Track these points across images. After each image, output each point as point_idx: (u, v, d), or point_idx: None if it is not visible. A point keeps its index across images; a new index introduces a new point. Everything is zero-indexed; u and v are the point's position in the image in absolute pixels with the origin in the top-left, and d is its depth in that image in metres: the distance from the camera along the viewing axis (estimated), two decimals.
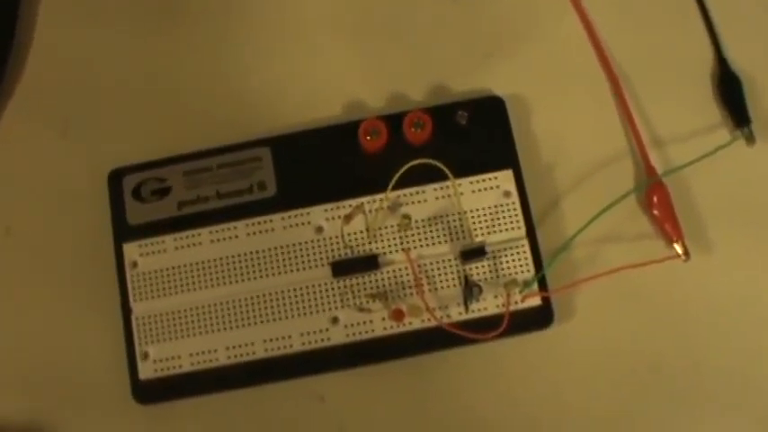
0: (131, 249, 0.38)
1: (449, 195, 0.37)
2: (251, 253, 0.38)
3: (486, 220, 0.37)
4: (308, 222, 0.38)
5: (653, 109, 0.40)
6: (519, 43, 0.41)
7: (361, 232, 0.37)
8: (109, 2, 0.42)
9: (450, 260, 0.37)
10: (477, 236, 0.37)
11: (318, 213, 0.38)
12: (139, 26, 0.42)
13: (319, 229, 0.38)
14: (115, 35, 0.42)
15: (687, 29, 0.41)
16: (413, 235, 0.37)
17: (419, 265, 0.37)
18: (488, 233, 0.37)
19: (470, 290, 0.36)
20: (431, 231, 0.37)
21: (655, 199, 0.38)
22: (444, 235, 0.37)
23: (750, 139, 0.38)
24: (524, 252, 0.37)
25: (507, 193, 0.38)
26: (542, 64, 0.40)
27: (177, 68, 0.41)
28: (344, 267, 0.37)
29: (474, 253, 0.36)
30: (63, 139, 0.41)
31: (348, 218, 0.37)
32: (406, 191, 0.38)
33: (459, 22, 0.41)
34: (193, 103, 0.41)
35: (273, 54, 0.41)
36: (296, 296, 0.37)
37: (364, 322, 0.37)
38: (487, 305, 0.37)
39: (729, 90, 0.39)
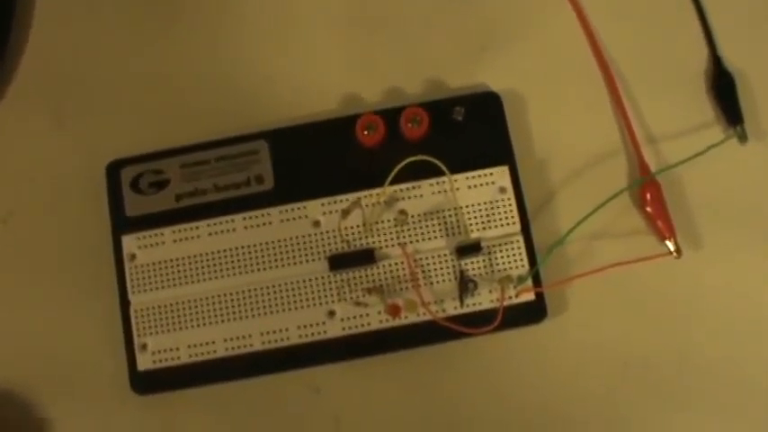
0: (130, 241, 0.38)
1: (445, 191, 0.38)
2: (248, 246, 0.38)
3: (481, 216, 0.38)
4: (306, 216, 0.38)
5: (647, 106, 0.40)
6: (515, 39, 0.41)
7: (358, 227, 0.38)
8: None
9: (445, 255, 0.37)
10: (472, 231, 0.38)
11: (315, 207, 0.38)
12: (137, 18, 0.42)
13: (316, 223, 0.38)
14: (113, 27, 0.42)
15: (682, 27, 0.41)
16: (409, 230, 0.38)
17: (415, 260, 0.37)
18: (484, 228, 0.38)
19: (465, 285, 0.37)
20: (427, 226, 0.38)
21: (648, 196, 0.38)
22: (440, 230, 0.38)
23: (742, 137, 0.39)
24: (519, 248, 0.37)
25: (503, 189, 0.38)
26: (538, 60, 0.41)
27: (175, 61, 0.41)
28: (341, 261, 0.37)
29: (469, 249, 0.37)
30: (60, 130, 0.41)
31: (345, 212, 0.37)
32: (403, 186, 0.38)
33: (455, 16, 0.41)
34: (190, 96, 0.41)
35: (270, 48, 0.41)
36: (293, 289, 0.37)
37: (360, 316, 0.37)
38: (482, 300, 0.37)
39: (723, 88, 0.40)
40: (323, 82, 0.41)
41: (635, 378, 0.38)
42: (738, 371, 0.37)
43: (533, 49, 0.41)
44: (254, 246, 0.38)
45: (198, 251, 0.38)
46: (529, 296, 0.37)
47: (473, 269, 0.37)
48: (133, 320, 0.38)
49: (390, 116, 0.38)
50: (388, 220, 0.38)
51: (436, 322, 0.36)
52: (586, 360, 0.38)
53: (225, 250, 0.38)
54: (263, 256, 0.38)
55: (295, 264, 0.38)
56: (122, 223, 0.39)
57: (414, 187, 0.38)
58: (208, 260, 0.38)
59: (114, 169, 0.39)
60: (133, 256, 0.38)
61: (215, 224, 0.38)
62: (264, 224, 0.38)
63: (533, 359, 0.38)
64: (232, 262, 0.38)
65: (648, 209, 0.38)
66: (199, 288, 0.38)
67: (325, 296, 0.37)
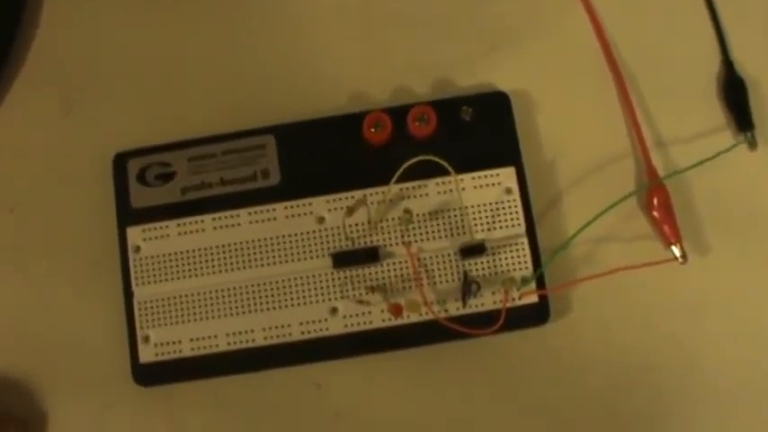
0: (135, 233, 0.38)
1: (450, 190, 0.38)
2: (253, 241, 0.38)
3: (486, 217, 0.38)
4: (311, 213, 0.38)
5: (657, 109, 0.40)
6: (525, 38, 0.41)
7: (363, 224, 0.38)
8: None
9: (449, 255, 0.37)
10: (477, 232, 0.37)
11: (321, 204, 0.38)
12: (147, 9, 0.42)
13: (321, 220, 0.38)
14: (123, 17, 0.42)
15: (695, 30, 0.40)
16: (414, 229, 0.38)
17: (419, 259, 0.37)
18: (489, 229, 0.37)
19: (469, 286, 0.37)
20: (432, 226, 0.38)
21: (655, 201, 0.38)
22: (445, 230, 0.38)
23: (753, 144, 0.39)
24: (523, 249, 0.37)
25: (509, 190, 0.38)
26: (548, 60, 0.40)
27: (184, 54, 0.41)
28: (345, 259, 0.37)
29: (474, 250, 0.37)
30: (68, 120, 0.41)
31: (350, 210, 0.37)
32: (409, 184, 0.38)
33: (465, 15, 0.41)
34: (198, 89, 0.41)
35: (280, 42, 0.41)
36: (296, 286, 0.37)
37: (363, 314, 0.37)
38: (485, 301, 0.37)
39: (734, 94, 0.39)
40: (331, 78, 0.40)
41: (638, 382, 0.37)
42: (743, 376, 0.37)
43: (544, 50, 0.40)
44: (259, 241, 0.38)
45: (202, 245, 0.38)
46: (532, 298, 0.37)
47: (477, 270, 0.37)
48: (136, 312, 0.38)
49: (398, 114, 0.38)
50: (393, 219, 0.38)
51: (438, 322, 0.36)
52: (589, 363, 0.38)
53: (229, 244, 0.38)
54: (267, 252, 0.38)
55: (299, 260, 0.38)
56: (128, 215, 0.39)
57: (419, 186, 0.38)
58: (212, 254, 0.38)
59: (121, 160, 0.39)
60: (138, 248, 0.38)
61: (220, 218, 0.38)
62: (269, 219, 0.38)
63: (535, 361, 0.38)
64: (236, 256, 0.38)
65: (655, 213, 0.38)
66: (202, 282, 0.38)
67: (328, 293, 0.37)
